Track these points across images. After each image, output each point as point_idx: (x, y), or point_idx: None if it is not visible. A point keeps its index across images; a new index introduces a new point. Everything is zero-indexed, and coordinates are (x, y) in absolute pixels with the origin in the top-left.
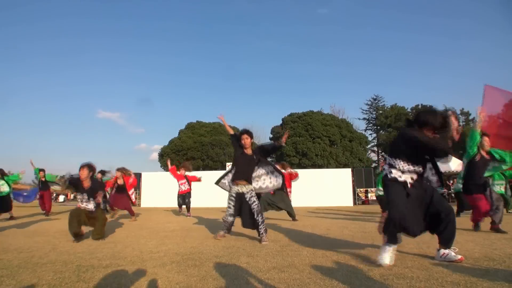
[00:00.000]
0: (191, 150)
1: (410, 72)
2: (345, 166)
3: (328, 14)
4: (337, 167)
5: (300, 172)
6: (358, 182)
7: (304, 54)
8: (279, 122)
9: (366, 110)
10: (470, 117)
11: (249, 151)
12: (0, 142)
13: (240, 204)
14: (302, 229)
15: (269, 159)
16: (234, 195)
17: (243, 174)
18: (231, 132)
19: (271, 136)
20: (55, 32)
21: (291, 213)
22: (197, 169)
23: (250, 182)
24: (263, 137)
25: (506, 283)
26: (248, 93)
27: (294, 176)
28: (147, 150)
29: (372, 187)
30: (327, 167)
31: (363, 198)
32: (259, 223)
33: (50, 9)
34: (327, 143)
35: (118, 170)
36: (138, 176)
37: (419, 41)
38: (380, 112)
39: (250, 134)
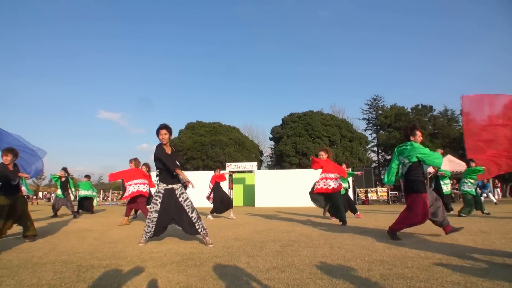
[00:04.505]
0: (191, 150)
1: (410, 72)
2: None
3: (329, 15)
4: None
5: (300, 172)
6: (358, 182)
7: (304, 54)
8: (279, 122)
9: (366, 110)
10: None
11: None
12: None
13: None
14: (302, 229)
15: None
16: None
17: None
18: None
19: (271, 136)
20: (57, 34)
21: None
22: (197, 169)
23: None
24: (263, 137)
25: (506, 283)
26: (248, 93)
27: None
28: (149, 150)
29: (372, 187)
30: None
31: (363, 198)
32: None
33: (53, 12)
34: (327, 143)
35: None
36: None
37: (419, 41)
38: (380, 112)
39: (168, 129)
